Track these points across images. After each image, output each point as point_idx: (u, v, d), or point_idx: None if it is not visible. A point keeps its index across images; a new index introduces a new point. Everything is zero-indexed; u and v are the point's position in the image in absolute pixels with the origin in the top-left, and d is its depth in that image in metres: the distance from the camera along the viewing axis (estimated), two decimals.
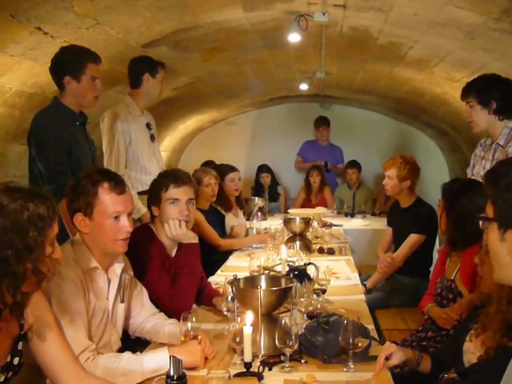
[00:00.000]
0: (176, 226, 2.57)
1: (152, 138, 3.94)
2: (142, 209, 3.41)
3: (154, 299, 2.41)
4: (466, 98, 3.10)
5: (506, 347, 1.53)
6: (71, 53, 3.00)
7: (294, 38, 3.96)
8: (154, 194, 2.66)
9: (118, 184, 2.07)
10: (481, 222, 1.40)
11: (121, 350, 2.12)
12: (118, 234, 2.05)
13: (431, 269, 3.66)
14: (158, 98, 3.94)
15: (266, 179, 7.06)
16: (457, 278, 2.68)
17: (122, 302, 2.19)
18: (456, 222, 2.67)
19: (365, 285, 3.73)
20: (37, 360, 1.71)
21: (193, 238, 2.67)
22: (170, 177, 2.64)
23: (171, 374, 1.53)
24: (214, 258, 4.01)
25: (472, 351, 1.84)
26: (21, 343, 1.64)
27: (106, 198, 2.03)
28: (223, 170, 4.86)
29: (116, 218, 2.05)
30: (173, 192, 2.60)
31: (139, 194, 3.48)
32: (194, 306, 2.70)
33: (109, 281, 2.12)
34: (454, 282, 2.69)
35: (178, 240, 2.65)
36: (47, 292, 1.83)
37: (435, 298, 2.81)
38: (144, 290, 2.37)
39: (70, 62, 2.98)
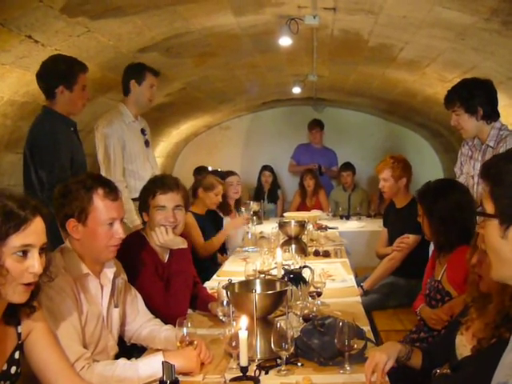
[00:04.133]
0: (163, 233, 2.57)
1: (147, 143, 3.94)
2: (135, 220, 3.42)
3: (149, 306, 2.41)
4: (452, 107, 3.11)
5: (500, 337, 1.53)
6: (64, 63, 3.02)
7: (285, 41, 3.96)
8: (143, 201, 2.67)
9: (112, 191, 2.07)
10: (478, 218, 1.40)
11: (118, 355, 2.11)
12: (111, 240, 2.05)
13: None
14: (148, 104, 3.88)
15: (268, 178, 7.13)
16: (443, 278, 2.69)
17: (116, 306, 2.18)
18: (439, 225, 2.69)
19: (361, 286, 3.73)
20: (32, 368, 1.70)
21: (182, 243, 2.65)
22: (158, 183, 2.65)
23: (164, 379, 1.52)
24: (205, 264, 4.02)
25: (464, 344, 1.85)
26: (18, 352, 1.63)
27: (101, 204, 2.03)
28: (222, 175, 4.89)
29: (110, 224, 2.05)
30: (159, 199, 2.60)
31: (132, 200, 3.48)
32: (190, 311, 2.70)
33: (101, 286, 2.11)
34: (440, 283, 2.70)
35: (167, 246, 2.64)
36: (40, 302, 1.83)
37: (425, 299, 2.82)
38: (138, 295, 2.36)
39: (63, 72, 3.00)
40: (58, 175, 2.92)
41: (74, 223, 2.02)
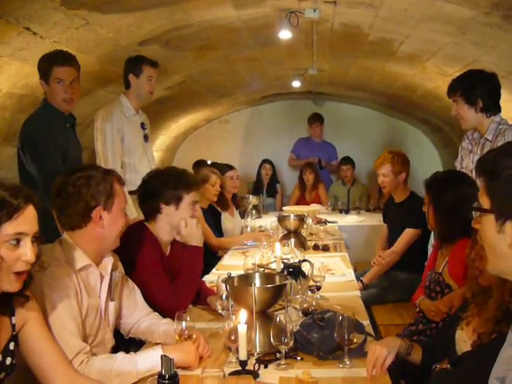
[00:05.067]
0: (193, 226, 2.69)
1: (145, 138, 3.92)
2: (134, 213, 3.41)
3: (153, 296, 2.43)
4: (453, 96, 3.10)
5: (501, 333, 1.52)
6: (42, 57, 3.06)
7: (285, 34, 3.94)
8: (174, 195, 2.68)
9: (121, 178, 2.14)
10: (474, 213, 1.39)
11: (115, 349, 2.11)
12: (123, 227, 2.11)
13: (426, 263, 3.67)
14: (149, 96, 3.84)
15: (268, 171, 7.15)
16: (444, 270, 2.70)
17: (112, 300, 2.17)
18: (443, 215, 2.70)
19: (361, 280, 3.73)
20: (26, 360, 1.70)
21: (200, 241, 2.74)
22: (193, 181, 2.74)
23: (162, 373, 1.52)
24: (206, 260, 4.02)
25: (464, 339, 1.85)
26: (12, 343, 1.63)
27: (119, 190, 2.08)
28: (221, 169, 4.87)
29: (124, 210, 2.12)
30: (194, 195, 2.71)
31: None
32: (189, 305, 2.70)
33: (101, 277, 2.10)
34: (441, 275, 2.70)
35: (187, 240, 2.70)
36: (39, 295, 1.82)
37: (425, 291, 2.82)
38: (136, 288, 2.36)
39: (40, 66, 3.06)
40: (50, 168, 2.93)
41: (101, 211, 2.02)
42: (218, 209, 4.73)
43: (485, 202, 1.34)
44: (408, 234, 3.79)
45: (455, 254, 2.62)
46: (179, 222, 2.64)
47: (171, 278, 2.59)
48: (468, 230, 2.53)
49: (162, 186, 2.67)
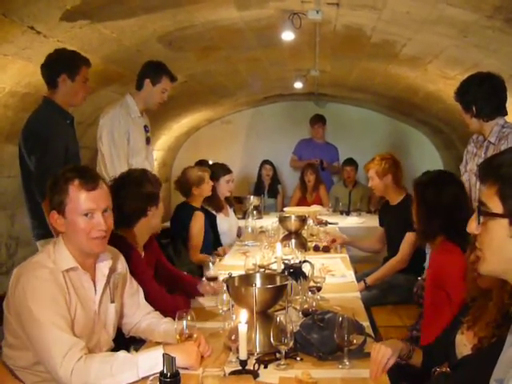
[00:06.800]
0: None
1: (148, 140, 3.89)
2: None
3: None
4: (456, 99, 3.12)
5: (501, 336, 1.53)
6: (68, 53, 3.10)
7: (288, 36, 3.96)
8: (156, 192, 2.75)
9: (89, 180, 2.01)
10: (481, 217, 1.36)
11: (117, 348, 2.11)
12: (91, 232, 2.00)
13: (425, 265, 3.67)
14: (156, 106, 3.82)
15: (269, 172, 7.14)
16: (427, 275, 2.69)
17: (112, 302, 2.16)
18: (425, 213, 2.68)
19: (364, 281, 3.74)
20: None
21: None
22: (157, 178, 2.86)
23: (164, 371, 1.53)
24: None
25: (464, 343, 1.85)
26: None
27: (76, 195, 1.97)
28: (218, 171, 4.81)
29: (88, 215, 2.00)
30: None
31: None
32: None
33: (94, 281, 2.09)
34: (424, 280, 2.69)
35: None
36: (25, 294, 1.84)
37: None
38: (140, 289, 2.36)
39: (67, 62, 3.07)
40: (48, 162, 2.95)
41: (56, 215, 2.00)
42: (213, 212, 4.66)
43: (495, 206, 1.30)
44: (409, 238, 3.78)
45: (433, 258, 2.62)
46: (159, 221, 2.74)
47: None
48: (446, 229, 2.55)
49: (154, 189, 2.70)
